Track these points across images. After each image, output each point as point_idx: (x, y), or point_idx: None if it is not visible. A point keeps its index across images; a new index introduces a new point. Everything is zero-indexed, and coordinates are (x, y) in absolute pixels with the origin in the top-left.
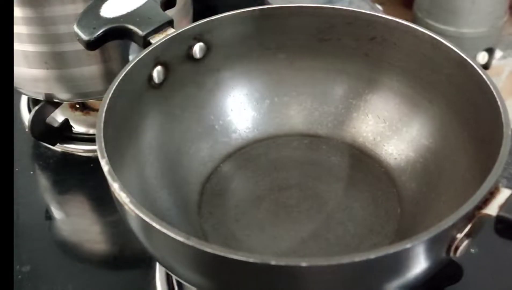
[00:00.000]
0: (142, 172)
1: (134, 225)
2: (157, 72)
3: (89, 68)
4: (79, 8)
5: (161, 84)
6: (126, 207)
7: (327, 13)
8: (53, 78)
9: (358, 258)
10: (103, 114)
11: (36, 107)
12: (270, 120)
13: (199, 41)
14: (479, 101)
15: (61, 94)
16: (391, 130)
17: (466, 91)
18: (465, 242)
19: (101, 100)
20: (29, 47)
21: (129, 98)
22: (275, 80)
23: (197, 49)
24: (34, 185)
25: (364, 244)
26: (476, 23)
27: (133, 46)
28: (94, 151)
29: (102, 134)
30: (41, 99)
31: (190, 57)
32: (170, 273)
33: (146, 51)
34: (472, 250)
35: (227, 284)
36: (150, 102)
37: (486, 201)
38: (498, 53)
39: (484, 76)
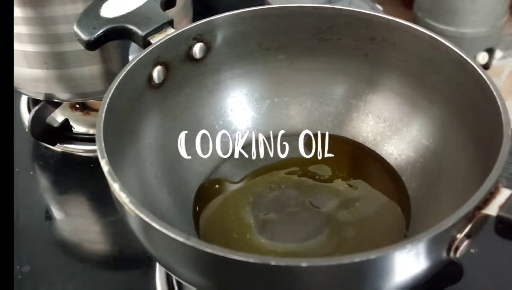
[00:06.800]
0: (142, 172)
1: (134, 225)
2: (157, 72)
3: (89, 68)
4: (79, 8)
5: (161, 84)
6: (126, 207)
7: (327, 13)
8: (53, 78)
9: (358, 258)
10: (103, 114)
11: (36, 107)
12: (270, 120)
13: (199, 41)
14: (479, 101)
15: (61, 94)
16: (391, 130)
17: (466, 91)
18: (465, 242)
19: (101, 100)
20: (29, 47)
21: (129, 98)
22: (275, 80)
23: (197, 49)
24: (34, 185)
25: (365, 244)
26: (476, 23)
27: (133, 46)
28: (94, 151)
29: (102, 134)
30: (41, 99)
31: (190, 57)
32: (170, 273)
33: (146, 51)
34: (472, 250)
35: (227, 284)
36: (150, 102)
37: (486, 201)
38: (498, 53)
39: (484, 76)
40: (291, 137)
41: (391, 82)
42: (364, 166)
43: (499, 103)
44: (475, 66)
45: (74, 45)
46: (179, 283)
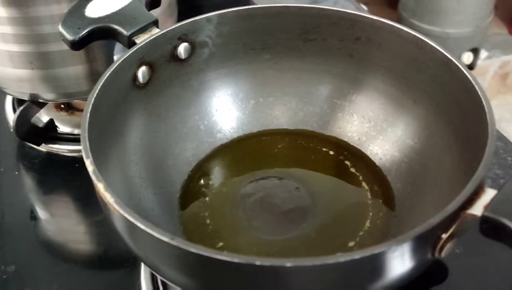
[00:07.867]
0: (127, 172)
1: (119, 225)
2: (142, 72)
3: (74, 68)
4: (64, 8)
5: (146, 84)
6: (110, 207)
7: (312, 13)
8: (38, 78)
9: (343, 258)
10: (88, 114)
11: (21, 107)
12: (255, 120)
13: (184, 41)
14: (464, 101)
15: (46, 94)
16: (376, 130)
17: (451, 91)
18: (450, 242)
19: (86, 100)
20: (14, 47)
21: (114, 98)
22: (260, 81)
23: (182, 49)
24: (19, 185)
25: (349, 244)
26: (461, 23)
27: (118, 46)
28: (79, 151)
29: (87, 134)
30: (26, 99)
31: (175, 57)
32: (155, 273)
33: (131, 51)
34: (457, 250)
35: (211, 284)
36: (135, 102)
37: (471, 201)
38: (483, 53)
39: (469, 76)
40: (276, 137)
41: (376, 82)
42: (349, 166)
43: (484, 103)
44: (460, 66)
45: (59, 45)
46: (164, 283)
